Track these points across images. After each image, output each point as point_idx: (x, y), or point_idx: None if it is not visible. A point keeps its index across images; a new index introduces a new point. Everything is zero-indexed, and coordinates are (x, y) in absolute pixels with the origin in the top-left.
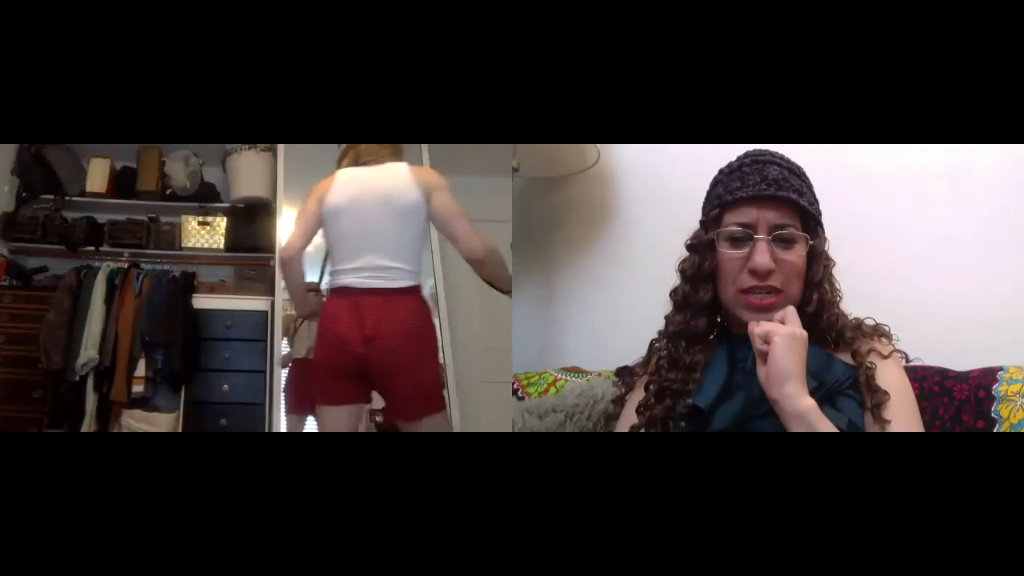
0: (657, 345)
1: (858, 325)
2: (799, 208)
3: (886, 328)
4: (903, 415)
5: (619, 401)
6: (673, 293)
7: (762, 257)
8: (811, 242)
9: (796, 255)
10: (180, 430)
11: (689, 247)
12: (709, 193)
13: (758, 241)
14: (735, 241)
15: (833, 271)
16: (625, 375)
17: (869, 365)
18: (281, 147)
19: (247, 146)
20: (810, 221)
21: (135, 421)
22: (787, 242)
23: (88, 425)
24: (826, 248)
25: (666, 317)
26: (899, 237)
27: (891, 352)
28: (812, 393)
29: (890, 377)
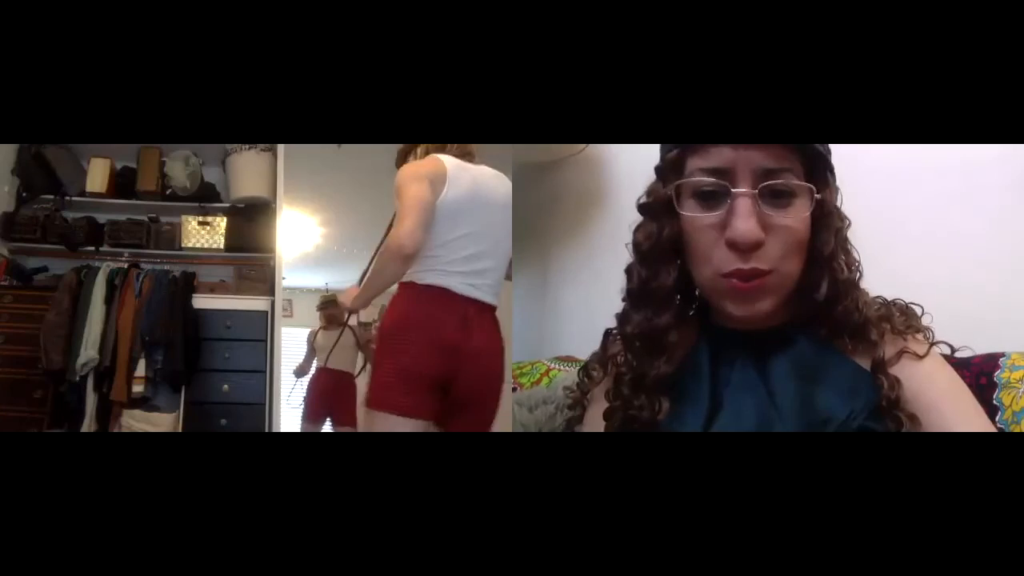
0: (615, 344)
1: (885, 315)
2: (798, 145)
3: (915, 310)
4: (966, 419)
5: (577, 406)
6: (627, 279)
7: (744, 222)
8: (818, 196)
9: (795, 217)
10: (180, 430)
11: (642, 207)
12: None
13: (738, 197)
14: (705, 198)
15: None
16: (582, 377)
17: (894, 382)
18: (281, 147)
19: (247, 146)
20: (817, 165)
21: (135, 421)
22: (782, 197)
23: (88, 425)
24: (839, 203)
25: (621, 314)
26: (898, 225)
27: (929, 349)
28: (839, 427)
29: (936, 381)
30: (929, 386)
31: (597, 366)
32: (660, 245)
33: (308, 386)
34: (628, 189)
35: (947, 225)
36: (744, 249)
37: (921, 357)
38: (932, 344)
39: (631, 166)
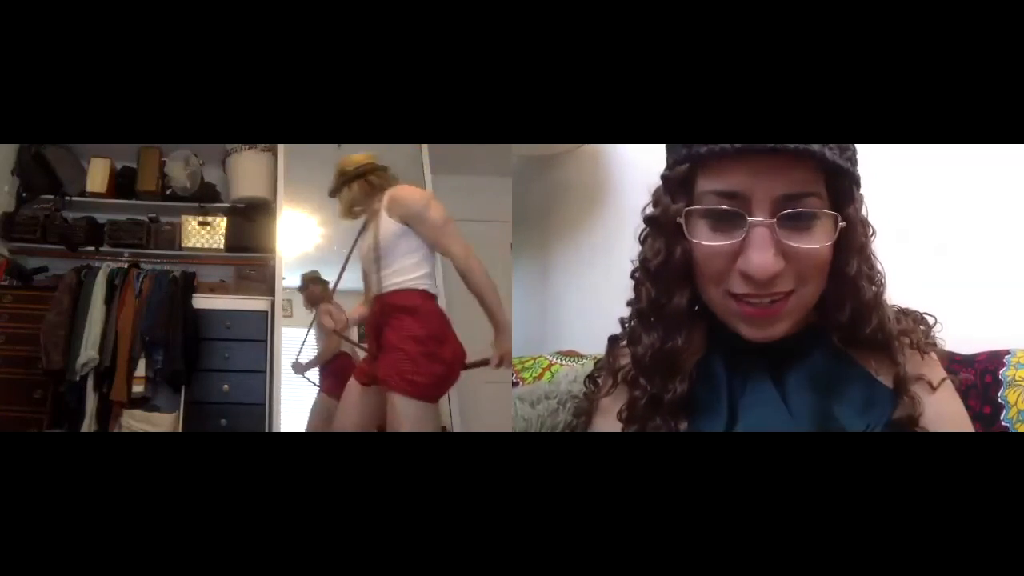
0: (623, 355)
1: (905, 329)
2: (821, 163)
3: (932, 328)
4: None
5: (583, 413)
6: (635, 297)
7: (761, 255)
8: (842, 224)
9: (818, 240)
10: (180, 430)
11: (649, 220)
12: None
13: (755, 228)
14: (718, 219)
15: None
16: (589, 385)
17: (917, 400)
18: (281, 147)
19: (247, 146)
20: (842, 181)
21: (135, 421)
22: (802, 220)
23: (88, 425)
24: (864, 214)
25: (631, 332)
26: (899, 222)
27: (943, 380)
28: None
29: (944, 413)
30: (935, 416)
31: (604, 374)
32: (671, 266)
33: (335, 368)
34: (629, 183)
35: (951, 224)
36: (760, 280)
37: (934, 389)
38: (945, 374)
39: (632, 160)
